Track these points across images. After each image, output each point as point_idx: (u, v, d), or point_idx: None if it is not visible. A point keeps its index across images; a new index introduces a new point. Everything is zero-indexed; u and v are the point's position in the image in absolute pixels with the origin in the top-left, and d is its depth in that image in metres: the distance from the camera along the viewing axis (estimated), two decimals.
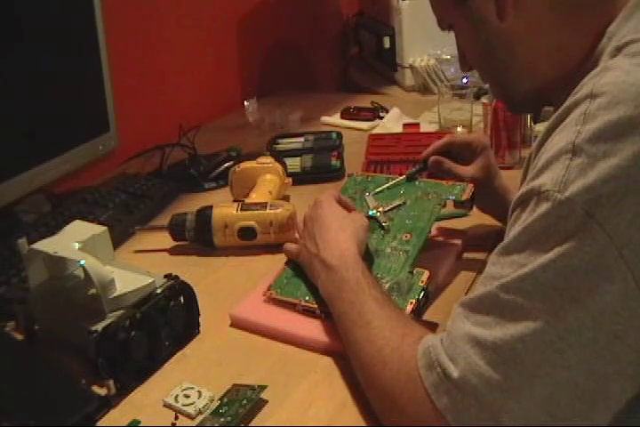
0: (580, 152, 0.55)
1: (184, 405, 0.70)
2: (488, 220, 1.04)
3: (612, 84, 0.57)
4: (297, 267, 0.88)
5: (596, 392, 0.54)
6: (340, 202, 0.88)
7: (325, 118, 1.62)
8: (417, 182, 0.97)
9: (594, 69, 0.61)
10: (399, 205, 0.93)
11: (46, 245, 0.77)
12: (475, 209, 1.00)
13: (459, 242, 0.98)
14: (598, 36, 0.66)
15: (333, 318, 0.77)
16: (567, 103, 0.60)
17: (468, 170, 0.96)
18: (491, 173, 0.97)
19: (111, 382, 0.72)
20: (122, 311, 0.74)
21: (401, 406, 0.61)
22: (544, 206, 0.55)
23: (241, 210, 1.02)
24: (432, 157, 0.98)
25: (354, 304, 0.72)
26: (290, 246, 0.90)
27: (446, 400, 0.57)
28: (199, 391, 0.72)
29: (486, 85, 1.43)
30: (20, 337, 0.82)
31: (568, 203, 0.54)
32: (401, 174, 1.00)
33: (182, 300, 0.81)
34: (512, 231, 0.59)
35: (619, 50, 0.61)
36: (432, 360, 0.59)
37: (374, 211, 0.93)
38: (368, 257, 0.84)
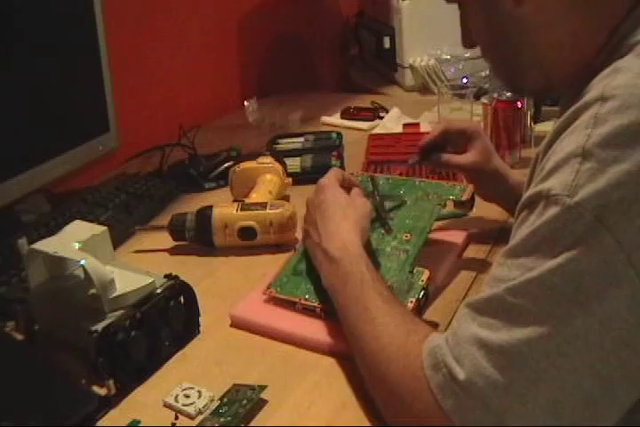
0: (590, 157, 0.54)
1: (184, 405, 0.70)
2: (489, 218, 1.04)
3: (623, 88, 0.56)
4: (297, 265, 0.88)
5: (602, 397, 0.54)
6: (344, 181, 0.88)
7: (325, 118, 1.62)
8: (417, 182, 0.97)
9: (603, 68, 0.60)
10: (399, 204, 0.93)
11: (46, 245, 0.77)
12: (475, 209, 1.00)
13: (459, 242, 0.98)
14: (610, 33, 0.64)
15: (337, 310, 0.76)
16: (577, 105, 0.59)
17: (467, 157, 0.97)
18: (489, 155, 0.98)
19: (111, 382, 0.72)
20: (122, 311, 0.74)
21: (407, 405, 0.61)
22: (553, 210, 0.55)
23: (241, 210, 1.02)
24: (432, 156, 0.99)
25: (358, 299, 0.72)
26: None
27: (452, 402, 0.57)
28: (199, 391, 0.72)
29: (486, 85, 1.44)
30: (20, 337, 0.82)
31: (577, 208, 0.53)
32: (400, 174, 1.00)
33: (182, 300, 0.81)
34: (519, 233, 0.58)
35: (630, 49, 0.60)
36: (438, 361, 0.59)
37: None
38: (369, 255, 0.84)
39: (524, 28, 0.68)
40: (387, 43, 1.85)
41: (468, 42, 0.78)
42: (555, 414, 0.54)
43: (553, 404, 0.54)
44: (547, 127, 1.41)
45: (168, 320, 0.79)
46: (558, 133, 0.60)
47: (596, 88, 0.58)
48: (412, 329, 0.66)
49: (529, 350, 0.54)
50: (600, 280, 0.53)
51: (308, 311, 0.83)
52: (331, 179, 0.88)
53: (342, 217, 0.82)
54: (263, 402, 0.71)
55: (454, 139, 1.00)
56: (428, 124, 1.47)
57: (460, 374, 0.56)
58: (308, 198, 0.88)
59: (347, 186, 0.88)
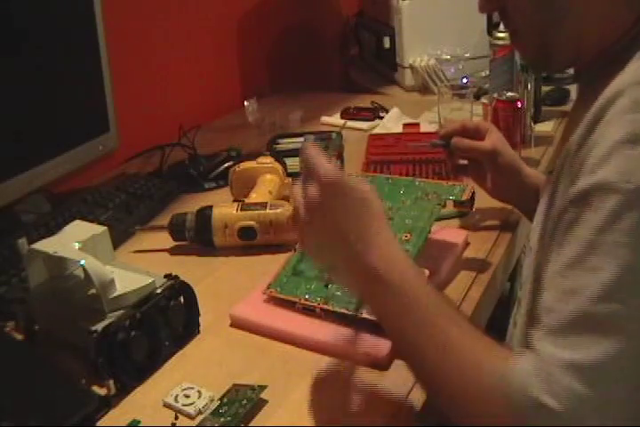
0: None
1: (184, 405, 0.70)
2: (489, 218, 1.05)
3: None
4: (297, 265, 0.88)
5: None
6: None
7: (325, 118, 1.62)
8: (417, 182, 0.97)
9: (624, 53, 0.60)
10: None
11: (46, 245, 0.77)
12: (474, 209, 1.00)
13: (459, 242, 0.98)
14: (637, 20, 0.64)
15: (391, 337, 0.68)
16: (607, 92, 0.58)
17: (487, 143, 1.00)
18: (506, 144, 1.01)
19: (111, 382, 0.72)
20: (122, 311, 0.74)
21: None
22: (612, 199, 0.53)
23: (241, 210, 1.02)
24: (454, 138, 1.02)
25: (418, 325, 0.61)
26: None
27: None
28: (199, 391, 0.72)
29: (486, 85, 1.43)
30: (20, 337, 0.82)
31: (637, 192, 0.52)
32: (401, 174, 1.00)
33: (182, 300, 0.81)
34: (576, 234, 0.55)
35: None
36: (532, 396, 0.53)
37: None
38: None
39: None
40: (387, 43, 1.85)
41: (488, 6, 0.73)
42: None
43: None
44: (547, 127, 1.42)
45: (168, 320, 0.79)
46: (594, 123, 0.58)
47: (626, 74, 0.57)
48: (490, 358, 0.58)
49: (620, 363, 0.52)
50: None
51: (308, 311, 0.83)
52: (326, 175, 0.65)
53: (368, 216, 0.64)
54: (263, 402, 0.71)
55: (471, 134, 1.02)
56: (428, 124, 1.47)
57: (556, 407, 0.52)
58: (306, 201, 0.66)
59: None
